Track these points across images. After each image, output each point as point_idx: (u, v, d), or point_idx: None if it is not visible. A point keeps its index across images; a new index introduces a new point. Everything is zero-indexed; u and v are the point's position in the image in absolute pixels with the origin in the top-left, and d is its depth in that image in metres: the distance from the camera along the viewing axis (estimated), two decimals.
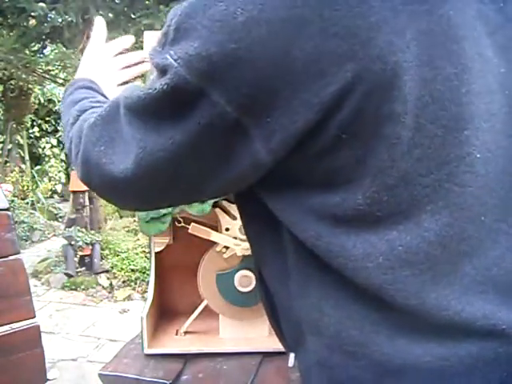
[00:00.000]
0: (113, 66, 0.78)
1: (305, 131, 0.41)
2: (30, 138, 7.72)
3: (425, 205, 0.43)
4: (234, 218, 1.02)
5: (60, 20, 3.82)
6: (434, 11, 0.41)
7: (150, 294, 1.06)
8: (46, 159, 7.84)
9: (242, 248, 1.01)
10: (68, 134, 0.59)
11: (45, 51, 4.49)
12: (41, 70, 4.43)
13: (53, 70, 4.63)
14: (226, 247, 1.03)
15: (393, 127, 0.40)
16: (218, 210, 1.01)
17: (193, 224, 1.01)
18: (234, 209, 1.02)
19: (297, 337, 0.54)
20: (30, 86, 6.00)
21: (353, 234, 0.44)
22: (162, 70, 0.42)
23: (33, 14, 3.80)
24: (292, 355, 0.61)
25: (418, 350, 0.44)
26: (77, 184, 4.11)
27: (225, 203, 1.01)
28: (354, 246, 0.43)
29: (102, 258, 4.04)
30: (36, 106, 7.33)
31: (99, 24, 0.79)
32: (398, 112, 0.40)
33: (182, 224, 1.02)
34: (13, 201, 5.35)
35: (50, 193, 7.14)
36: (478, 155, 0.43)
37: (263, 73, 0.39)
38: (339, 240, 0.44)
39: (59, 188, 7.38)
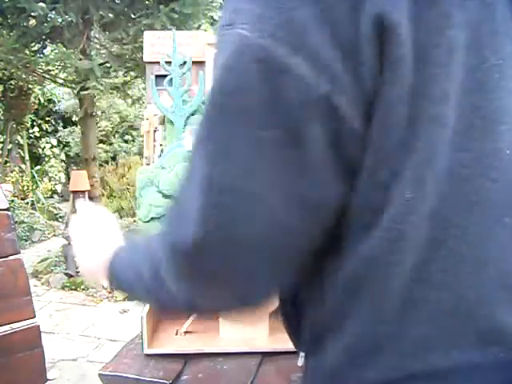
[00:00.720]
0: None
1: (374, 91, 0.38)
2: (30, 138, 7.72)
3: None
4: None
5: (60, 20, 3.83)
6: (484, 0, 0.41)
7: None
8: (46, 159, 7.84)
9: None
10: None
11: (45, 51, 4.49)
12: (41, 70, 4.43)
13: (53, 70, 4.63)
14: None
15: (442, 107, 0.39)
16: None
17: None
18: None
19: (317, 336, 0.52)
20: (29, 86, 6.00)
21: None
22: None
23: (33, 13, 3.80)
24: (302, 354, 0.59)
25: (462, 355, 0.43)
26: (77, 184, 4.12)
27: None
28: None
29: None
30: (36, 106, 7.33)
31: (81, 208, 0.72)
32: (446, 92, 0.39)
33: None
34: (13, 201, 5.35)
35: (49, 193, 7.14)
36: (508, 151, 0.42)
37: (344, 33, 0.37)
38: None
39: (59, 188, 7.38)
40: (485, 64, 0.40)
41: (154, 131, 1.09)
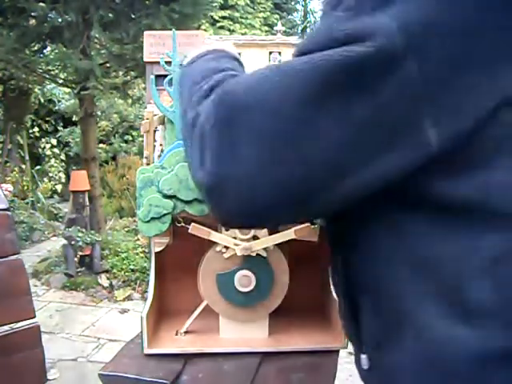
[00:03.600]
0: None
1: (478, 122, 0.42)
2: (30, 138, 7.72)
3: None
4: None
5: (60, 20, 3.82)
6: None
7: (149, 294, 1.06)
8: (46, 159, 7.83)
9: (242, 248, 1.01)
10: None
11: (45, 51, 4.49)
12: (41, 70, 4.42)
13: (53, 70, 4.62)
14: (226, 247, 1.03)
15: None
16: None
17: (193, 224, 1.01)
18: None
19: (390, 332, 0.52)
20: (29, 86, 5.99)
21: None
22: (361, 36, 0.40)
23: (33, 13, 3.80)
24: (364, 356, 0.58)
25: None
26: (77, 184, 4.11)
27: None
28: None
29: (102, 258, 4.04)
30: (36, 106, 7.33)
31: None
32: None
33: (182, 224, 1.02)
34: (13, 201, 5.35)
35: (50, 193, 7.14)
36: None
37: (462, 46, 0.40)
38: None
39: (59, 188, 7.37)
40: None
41: (154, 131, 1.09)
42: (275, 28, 1.64)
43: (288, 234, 1.01)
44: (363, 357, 0.58)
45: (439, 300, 0.47)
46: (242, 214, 0.48)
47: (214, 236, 1.01)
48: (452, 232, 0.46)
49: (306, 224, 1.01)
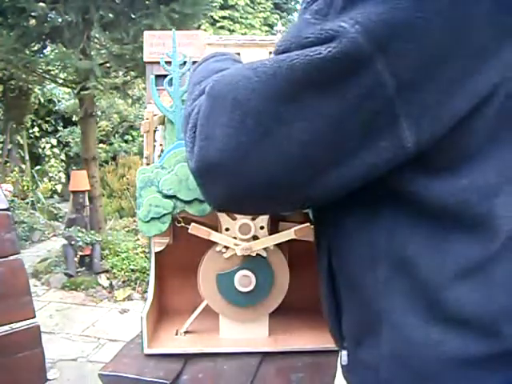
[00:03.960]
0: None
1: (455, 119, 0.42)
2: (30, 138, 7.72)
3: None
4: (234, 218, 1.02)
5: (60, 20, 3.82)
6: None
7: (149, 294, 1.06)
8: (46, 159, 7.83)
9: (242, 248, 1.01)
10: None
11: (45, 51, 4.49)
12: (41, 70, 4.42)
13: (53, 70, 4.62)
14: (226, 247, 1.03)
15: None
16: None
17: (193, 224, 1.01)
18: None
19: (367, 329, 0.53)
20: (29, 86, 5.99)
21: None
22: (326, 38, 0.41)
23: (33, 13, 3.80)
24: (344, 353, 0.59)
25: None
26: (77, 184, 4.12)
27: None
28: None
29: (102, 258, 4.04)
30: (36, 106, 7.32)
31: None
32: None
33: (182, 224, 1.02)
34: (13, 201, 5.35)
35: (50, 193, 7.13)
36: None
37: (435, 46, 0.40)
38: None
39: (59, 188, 7.37)
40: None
41: (154, 131, 1.09)
42: (275, 28, 1.64)
43: (288, 234, 1.01)
44: (343, 353, 0.59)
45: (415, 301, 0.48)
46: (228, 199, 0.51)
47: (214, 236, 1.01)
48: (430, 233, 0.47)
49: (306, 224, 1.01)
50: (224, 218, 1.02)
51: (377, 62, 0.40)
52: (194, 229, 1.01)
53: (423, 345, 0.47)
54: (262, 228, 1.02)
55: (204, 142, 0.48)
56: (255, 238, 1.02)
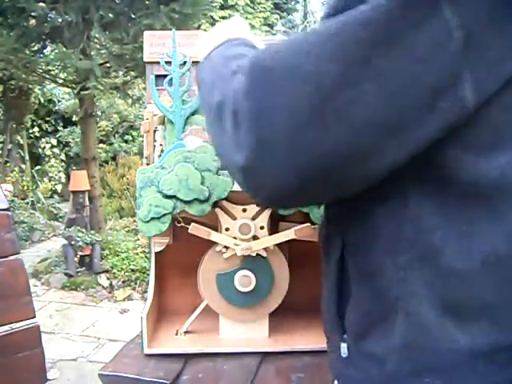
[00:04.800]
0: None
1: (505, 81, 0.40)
2: (30, 138, 7.71)
3: None
4: (234, 218, 1.02)
5: (60, 20, 3.82)
6: None
7: (150, 294, 1.06)
8: (46, 159, 7.83)
9: (242, 248, 1.01)
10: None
11: (45, 51, 4.48)
12: (41, 70, 4.42)
13: (53, 70, 4.62)
14: (226, 247, 1.03)
15: None
16: (218, 210, 1.01)
17: (193, 224, 1.01)
18: (234, 209, 1.02)
19: (377, 319, 0.52)
20: (30, 86, 5.99)
21: None
22: None
23: (33, 13, 3.80)
24: (344, 345, 0.58)
25: None
26: (77, 184, 4.11)
27: (225, 203, 1.01)
28: None
29: (102, 258, 4.03)
30: (36, 106, 7.32)
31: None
32: None
33: (182, 224, 1.02)
34: (13, 201, 5.35)
35: (50, 193, 7.13)
36: None
37: None
38: None
39: (59, 188, 7.37)
40: None
41: (154, 131, 1.09)
42: (275, 28, 1.64)
43: (288, 234, 1.01)
44: (343, 345, 0.58)
45: (435, 290, 0.47)
46: (286, 190, 0.46)
47: (214, 236, 1.01)
48: (458, 221, 0.46)
49: (306, 224, 1.01)
50: (224, 219, 1.02)
51: (445, 10, 0.38)
52: (194, 229, 1.01)
53: (438, 336, 0.47)
54: (261, 228, 1.02)
55: (258, 122, 0.43)
56: (255, 238, 1.02)
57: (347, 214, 0.55)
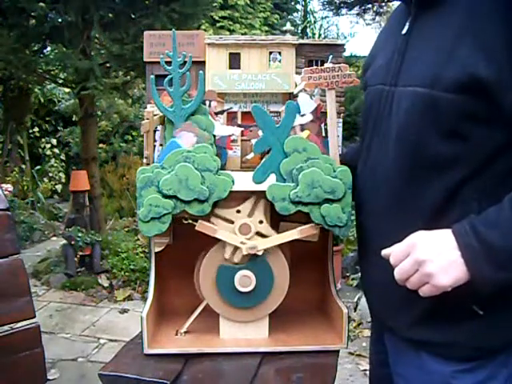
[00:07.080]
0: None
1: None
2: (30, 138, 7.71)
3: None
4: (231, 222, 1.01)
5: (60, 20, 3.82)
6: None
7: (150, 294, 1.06)
8: (46, 159, 7.82)
9: (248, 246, 1.01)
10: None
11: (45, 51, 4.48)
12: (41, 70, 4.42)
13: (53, 70, 4.61)
14: (234, 246, 1.03)
15: None
16: (213, 219, 1.01)
17: (200, 221, 1.00)
18: (228, 213, 1.02)
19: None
20: (30, 85, 5.99)
21: None
22: None
23: (33, 14, 3.80)
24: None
25: None
26: (77, 184, 4.11)
27: (217, 211, 1.01)
28: None
29: (102, 258, 4.03)
30: (36, 106, 7.32)
31: None
32: None
33: (189, 221, 1.00)
34: (13, 201, 5.35)
35: (50, 193, 7.13)
36: None
37: None
38: None
39: (59, 188, 7.36)
40: None
41: (154, 131, 1.09)
42: (284, 28, 1.64)
43: (293, 234, 1.01)
44: None
45: None
46: None
47: (220, 234, 1.01)
48: None
49: (311, 224, 1.00)
50: (223, 225, 1.01)
51: None
52: (201, 226, 1.00)
53: None
54: (261, 222, 1.02)
55: None
56: (258, 234, 1.02)
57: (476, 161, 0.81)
